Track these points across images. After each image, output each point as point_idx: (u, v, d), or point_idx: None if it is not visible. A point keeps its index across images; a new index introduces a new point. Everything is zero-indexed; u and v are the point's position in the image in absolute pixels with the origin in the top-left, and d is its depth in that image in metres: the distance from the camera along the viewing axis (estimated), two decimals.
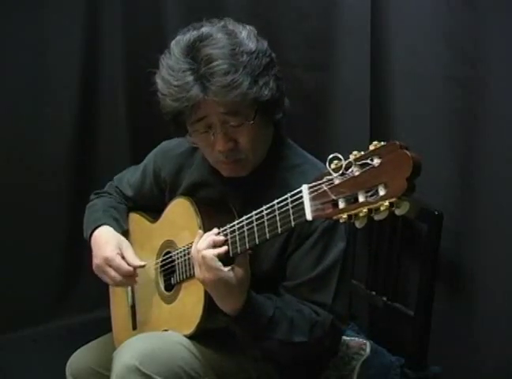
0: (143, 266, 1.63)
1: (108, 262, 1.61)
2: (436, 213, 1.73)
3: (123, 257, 1.63)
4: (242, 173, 1.52)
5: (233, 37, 1.42)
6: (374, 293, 1.95)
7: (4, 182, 2.62)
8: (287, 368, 1.57)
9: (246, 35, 1.44)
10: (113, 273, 1.61)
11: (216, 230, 1.39)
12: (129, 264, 1.62)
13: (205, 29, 1.44)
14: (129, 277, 1.62)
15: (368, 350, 1.77)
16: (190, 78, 1.39)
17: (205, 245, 1.36)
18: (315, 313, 1.45)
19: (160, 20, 2.55)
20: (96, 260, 1.65)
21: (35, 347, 2.64)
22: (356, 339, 1.81)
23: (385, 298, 1.92)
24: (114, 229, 1.71)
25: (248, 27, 1.47)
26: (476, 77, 1.70)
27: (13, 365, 2.49)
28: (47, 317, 2.77)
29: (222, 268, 1.34)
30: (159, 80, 1.45)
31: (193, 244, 1.40)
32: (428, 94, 1.83)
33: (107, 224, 1.71)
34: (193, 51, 1.41)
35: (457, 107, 1.76)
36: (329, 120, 2.16)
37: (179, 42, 1.44)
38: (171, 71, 1.42)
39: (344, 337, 1.77)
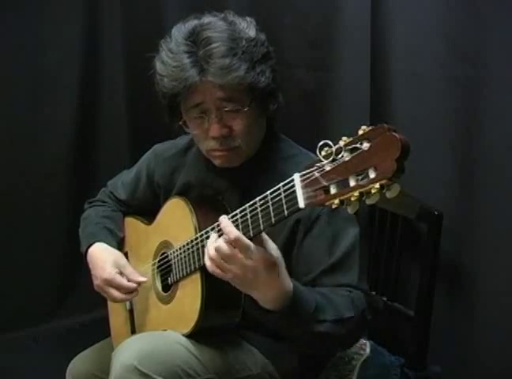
0: (144, 282, 1.64)
1: (108, 283, 1.63)
2: (436, 213, 1.73)
3: (122, 273, 1.64)
4: (235, 162, 1.53)
5: (233, 25, 1.46)
6: (374, 293, 1.95)
7: (4, 182, 2.62)
8: (286, 367, 1.57)
9: (246, 25, 1.48)
10: (115, 293, 1.63)
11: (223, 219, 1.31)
12: (130, 281, 1.63)
13: (205, 18, 1.48)
14: (131, 293, 1.64)
15: (368, 350, 1.77)
16: (189, 60, 1.42)
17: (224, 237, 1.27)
18: (348, 291, 1.43)
19: (160, 20, 2.55)
20: (96, 281, 1.66)
21: (35, 347, 2.64)
22: None
23: (385, 298, 1.91)
24: (109, 243, 1.72)
25: (248, 18, 1.51)
26: (476, 77, 1.70)
27: (13, 365, 2.49)
28: (47, 317, 2.77)
29: (256, 250, 1.23)
30: (158, 63, 1.48)
31: (209, 245, 1.30)
32: (428, 94, 1.83)
33: (101, 240, 1.72)
34: (193, 35, 1.45)
35: (457, 107, 1.76)
36: (329, 120, 2.16)
37: (180, 28, 1.48)
38: (170, 53, 1.45)
39: None
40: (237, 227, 1.30)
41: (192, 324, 1.48)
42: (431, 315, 1.77)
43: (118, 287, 1.63)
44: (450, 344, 1.87)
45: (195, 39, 1.44)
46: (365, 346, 1.78)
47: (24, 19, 2.52)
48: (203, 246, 1.44)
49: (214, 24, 1.45)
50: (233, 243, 1.24)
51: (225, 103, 1.45)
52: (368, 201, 1.02)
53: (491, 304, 1.76)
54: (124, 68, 2.71)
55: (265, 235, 1.26)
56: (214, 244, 1.28)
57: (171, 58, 1.45)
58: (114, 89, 2.73)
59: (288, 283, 1.29)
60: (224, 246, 1.26)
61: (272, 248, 1.27)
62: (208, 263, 1.30)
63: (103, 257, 1.68)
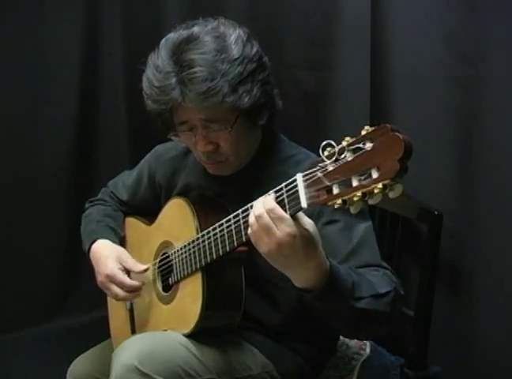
0: (146, 270, 1.65)
1: (111, 279, 1.63)
2: (436, 213, 1.73)
3: (125, 269, 1.64)
4: (226, 172, 1.54)
5: (220, 40, 1.42)
6: None
7: (4, 182, 2.62)
8: (286, 367, 1.57)
9: (235, 39, 1.43)
10: (116, 290, 1.63)
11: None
12: (132, 271, 1.64)
13: (195, 29, 1.45)
14: (133, 292, 1.63)
15: (368, 350, 1.77)
16: (171, 81, 1.41)
17: (261, 205, 1.21)
18: (376, 270, 1.40)
19: (160, 20, 2.55)
20: (100, 278, 1.66)
21: (35, 347, 2.64)
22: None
23: None
24: (111, 240, 1.72)
25: (239, 30, 1.46)
26: (476, 77, 1.70)
27: (13, 365, 2.49)
28: (47, 317, 2.77)
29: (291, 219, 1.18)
30: (144, 79, 1.49)
31: (251, 214, 1.23)
32: (428, 94, 1.83)
33: (103, 237, 1.72)
34: (177, 53, 1.42)
35: (457, 107, 1.76)
36: (329, 120, 2.16)
37: (167, 41, 1.46)
38: (155, 71, 1.45)
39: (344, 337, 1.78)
40: (238, 227, 1.31)
41: (192, 324, 1.48)
42: (431, 315, 1.77)
43: (120, 285, 1.62)
44: (450, 344, 1.87)
45: (178, 59, 1.41)
46: (365, 346, 1.78)
47: (24, 19, 2.52)
48: (204, 246, 1.45)
49: (200, 41, 1.41)
50: (269, 213, 1.18)
51: (209, 124, 1.44)
52: (371, 201, 1.02)
53: (491, 304, 1.76)
54: (124, 68, 2.71)
55: (300, 212, 1.20)
56: (256, 211, 1.22)
57: (155, 76, 1.44)
58: (114, 89, 2.73)
59: (325, 260, 1.24)
60: (264, 215, 1.19)
61: (309, 223, 1.21)
62: (249, 231, 1.25)
63: (105, 253, 1.68)
